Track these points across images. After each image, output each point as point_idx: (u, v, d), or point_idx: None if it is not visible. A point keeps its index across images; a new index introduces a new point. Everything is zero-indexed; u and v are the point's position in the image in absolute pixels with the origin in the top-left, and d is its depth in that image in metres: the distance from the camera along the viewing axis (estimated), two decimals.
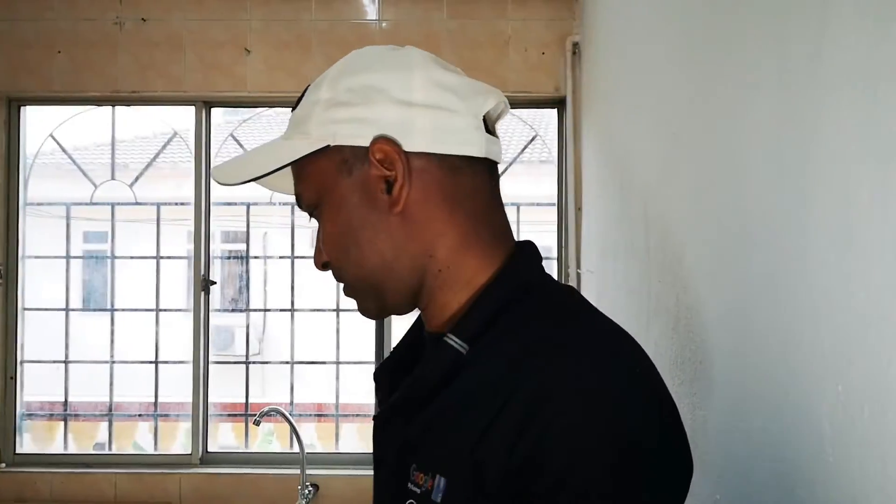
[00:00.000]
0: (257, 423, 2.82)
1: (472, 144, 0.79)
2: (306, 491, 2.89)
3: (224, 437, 3.97)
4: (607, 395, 0.69)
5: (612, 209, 2.30)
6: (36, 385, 3.28)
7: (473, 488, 0.70)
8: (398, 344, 0.91)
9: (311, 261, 0.88)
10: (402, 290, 0.81)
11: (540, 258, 0.84)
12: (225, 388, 3.42)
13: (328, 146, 0.79)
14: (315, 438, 4.27)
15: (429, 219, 0.79)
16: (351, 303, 0.88)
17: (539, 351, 0.71)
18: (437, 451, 0.75)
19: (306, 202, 0.84)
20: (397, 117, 0.77)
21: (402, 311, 0.85)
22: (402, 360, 0.89)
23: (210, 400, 3.17)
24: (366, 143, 0.77)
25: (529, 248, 0.83)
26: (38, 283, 3.29)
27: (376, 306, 0.84)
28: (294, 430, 2.90)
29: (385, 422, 0.83)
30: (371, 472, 2.63)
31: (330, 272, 0.86)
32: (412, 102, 0.78)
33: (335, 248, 0.82)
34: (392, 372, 0.88)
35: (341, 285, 0.86)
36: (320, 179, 0.81)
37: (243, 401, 3.31)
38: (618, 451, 0.67)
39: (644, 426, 0.69)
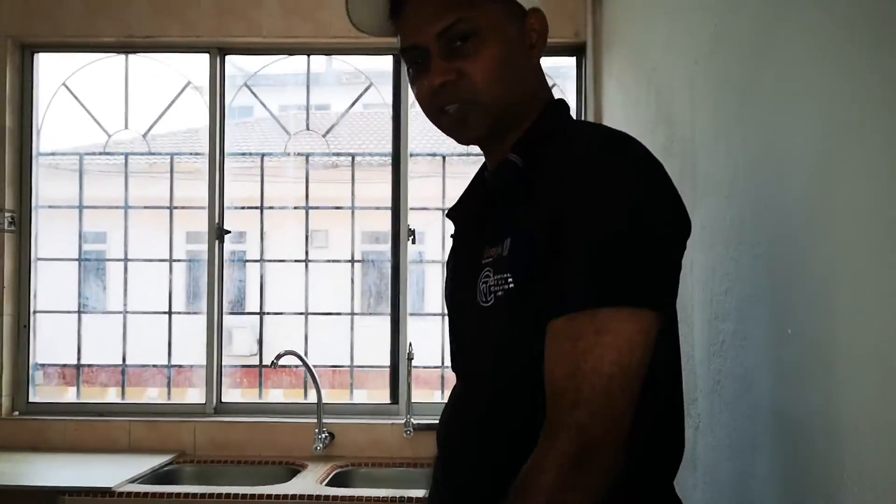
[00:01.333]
0: (273, 366, 2.79)
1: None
2: (323, 435, 2.86)
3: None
4: (628, 159, 0.97)
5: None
6: (49, 343, 3.25)
7: (527, 238, 0.97)
8: (461, 196, 1.21)
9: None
10: (512, 118, 1.08)
11: (569, 107, 1.14)
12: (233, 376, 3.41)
13: None
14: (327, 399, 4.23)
15: (538, 73, 1.12)
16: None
17: (571, 150, 1.00)
18: (503, 227, 1.02)
19: (465, 28, 1.03)
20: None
21: (490, 138, 1.10)
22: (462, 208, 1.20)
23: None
24: (527, 6, 1.08)
25: (563, 101, 1.14)
26: (51, 234, 3.27)
27: (483, 129, 1.08)
28: (310, 371, 2.88)
29: (462, 232, 1.17)
30: (388, 421, 2.71)
31: (440, 95, 1.07)
32: None
33: (491, 72, 1.04)
34: (456, 210, 1.20)
35: (448, 113, 1.08)
36: (493, 17, 1.05)
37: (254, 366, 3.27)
38: (632, 190, 0.93)
39: (657, 178, 0.97)
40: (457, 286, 1.15)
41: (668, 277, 0.96)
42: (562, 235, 0.93)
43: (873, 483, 0.92)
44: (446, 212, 1.22)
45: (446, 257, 1.28)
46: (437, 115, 1.09)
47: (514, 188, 1.04)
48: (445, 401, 1.17)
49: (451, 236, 1.21)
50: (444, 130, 1.11)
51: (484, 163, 1.19)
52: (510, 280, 0.98)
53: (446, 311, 1.23)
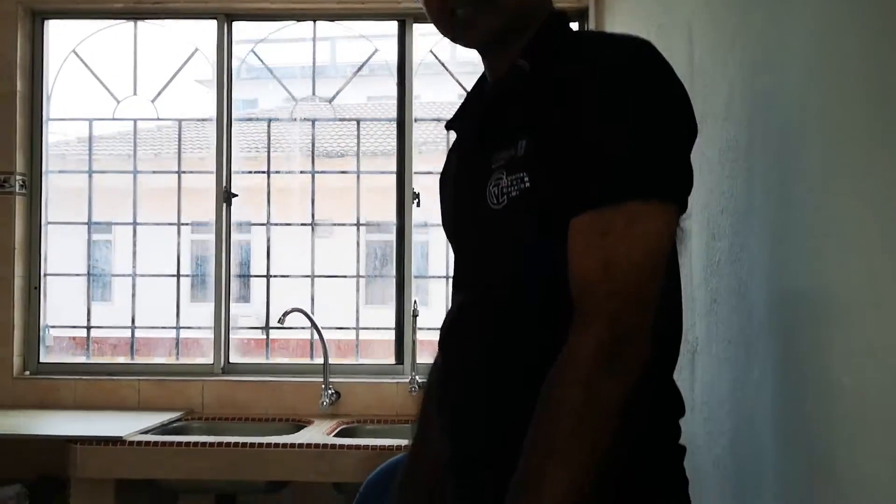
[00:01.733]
0: (281, 322, 2.84)
1: None
2: (329, 391, 2.90)
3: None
4: (640, 57, 0.99)
5: None
6: (59, 311, 3.30)
7: (543, 137, 0.98)
8: (460, 107, 1.21)
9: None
10: (519, 24, 1.08)
11: (569, 19, 1.15)
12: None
13: None
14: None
15: None
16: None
17: (583, 52, 1.03)
18: (516, 130, 1.02)
19: None
20: None
21: (496, 43, 1.11)
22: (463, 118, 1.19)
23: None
24: None
25: (564, 12, 1.16)
26: (60, 209, 3.32)
27: (492, 31, 1.08)
28: (316, 329, 2.92)
29: (463, 142, 1.18)
30: (393, 380, 2.73)
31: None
32: None
33: None
34: (456, 121, 1.19)
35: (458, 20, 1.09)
36: None
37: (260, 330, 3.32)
38: (648, 85, 0.96)
39: (670, 77, 0.98)
40: (460, 195, 1.15)
41: (686, 172, 0.98)
42: (579, 135, 0.94)
43: (865, 373, 0.95)
44: (445, 123, 1.23)
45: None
46: (446, 16, 1.10)
47: (525, 93, 1.05)
48: None
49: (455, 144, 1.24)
50: (449, 31, 1.12)
51: (482, 74, 1.20)
52: (526, 179, 0.99)
53: (443, 228, 1.22)
